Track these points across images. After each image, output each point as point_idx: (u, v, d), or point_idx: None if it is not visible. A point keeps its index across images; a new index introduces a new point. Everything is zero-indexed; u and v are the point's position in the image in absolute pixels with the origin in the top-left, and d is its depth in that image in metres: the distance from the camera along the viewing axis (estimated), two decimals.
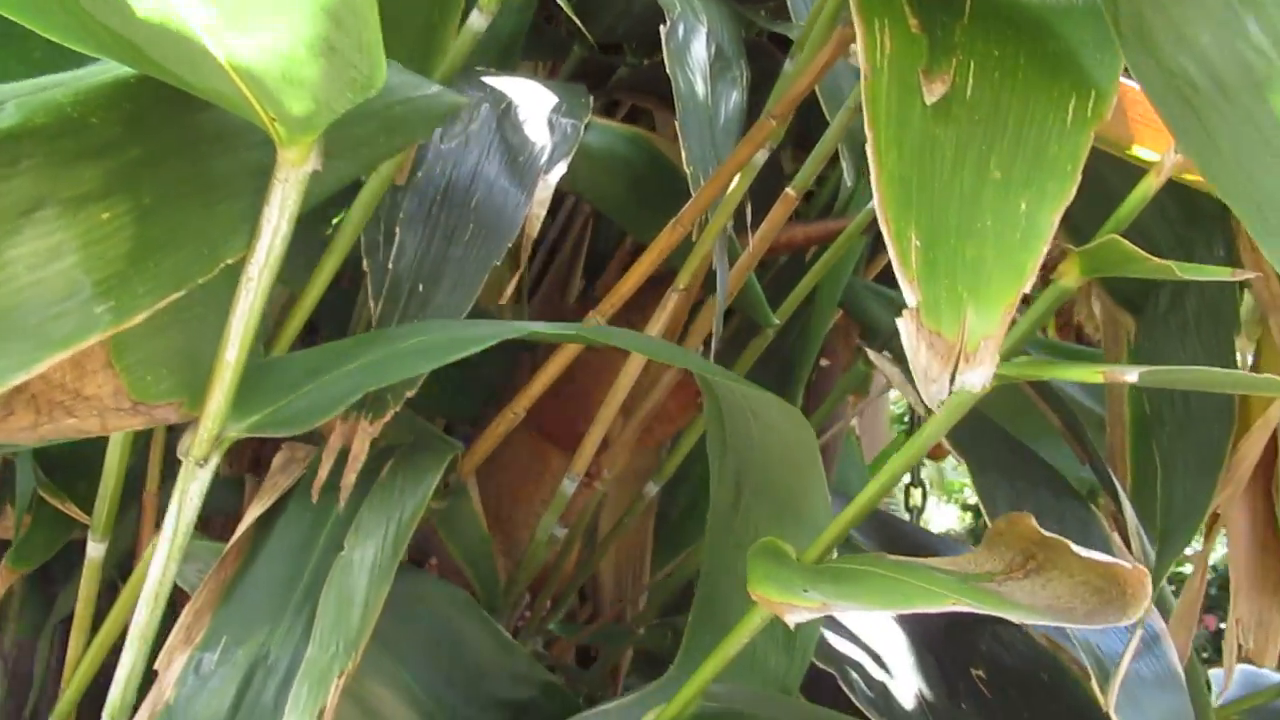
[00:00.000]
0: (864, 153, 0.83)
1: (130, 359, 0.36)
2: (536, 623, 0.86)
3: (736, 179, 0.63)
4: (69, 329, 0.32)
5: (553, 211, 1.17)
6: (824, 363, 1.02)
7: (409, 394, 0.53)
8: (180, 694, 0.51)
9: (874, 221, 0.73)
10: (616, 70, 1.02)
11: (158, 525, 0.62)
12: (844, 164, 0.76)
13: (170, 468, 0.66)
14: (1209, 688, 0.65)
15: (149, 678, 0.52)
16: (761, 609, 0.41)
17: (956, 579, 0.32)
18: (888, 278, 1.00)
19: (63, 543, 0.64)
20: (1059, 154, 0.34)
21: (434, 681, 0.59)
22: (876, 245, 0.96)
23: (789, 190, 0.69)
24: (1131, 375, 0.29)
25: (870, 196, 0.73)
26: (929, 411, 0.37)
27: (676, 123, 0.63)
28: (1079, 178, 0.34)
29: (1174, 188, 0.61)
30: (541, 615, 0.85)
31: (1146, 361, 0.63)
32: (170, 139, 0.33)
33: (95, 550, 0.57)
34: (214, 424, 0.38)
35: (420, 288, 0.56)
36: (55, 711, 0.61)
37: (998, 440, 0.65)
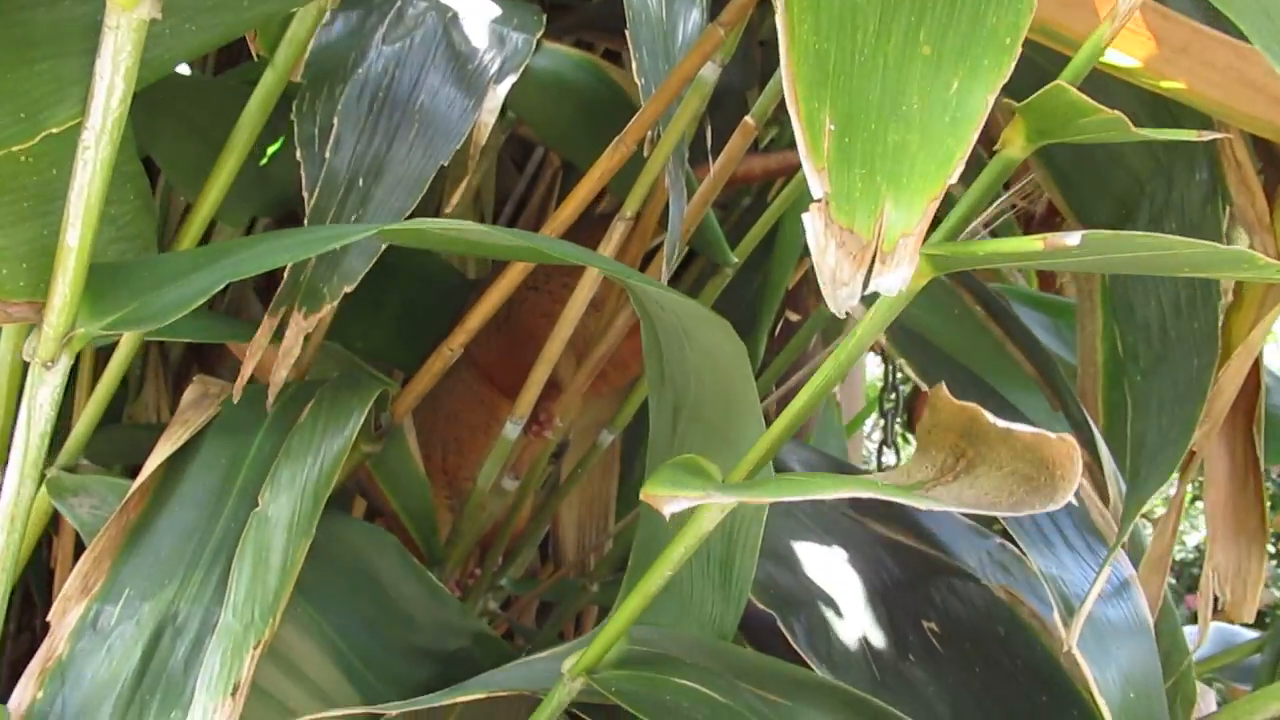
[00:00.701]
0: None
1: None
2: (488, 579, 0.82)
3: (685, 98, 0.59)
4: None
5: (520, 164, 1.13)
6: (794, 317, 0.98)
7: (347, 288, 0.48)
8: (75, 649, 0.47)
9: None
10: (583, 9, 0.98)
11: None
12: None
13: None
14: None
15: (39, 630, 0.48)
16: (683, 539, 0.37)
17: (874, 482, 0.28)
18: None
19: None
20: (998, 25, 0.29)
21: (356, 630, 0.55)
22: None
23: (748, 119, 0.65)
24: (1073, 239, 0.25)
25: None
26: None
27: (627, 33, 0.58)
28: (1018, 52, 0.29)
29: (1153, 107, 0.57)
30: (493, 571, 0.82)
31: (1121, 301, 0.59)
32: None
33: None
34: (60, 319, 0.33)
35: (360, 183, 0.52)
36: None
37: (961, 377, 0.61)
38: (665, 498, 0.26)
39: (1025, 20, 0.30)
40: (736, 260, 0.72)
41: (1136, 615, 0.48)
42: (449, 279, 0.81)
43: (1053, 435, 0.26)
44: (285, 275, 0.45)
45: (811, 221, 0.29)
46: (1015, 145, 0.30)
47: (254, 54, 0.48)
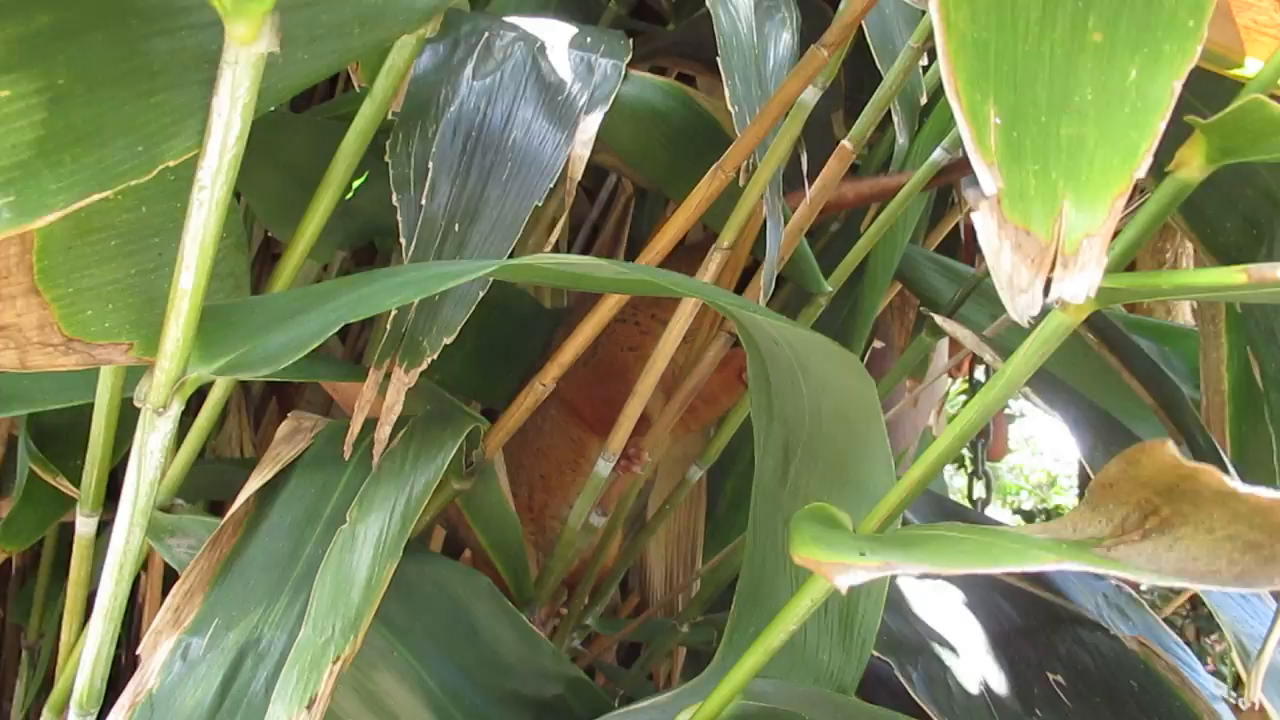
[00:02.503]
0: (919, 111, 0.75)
1: (65, 288, 0.31)
2: (575, 617, 0.80)
3: (784, 124, 0.57)
4: None
5: (593, 194, 1.12)
6: (878, 344, 0.95)
7: (446, 339, 0.47)
8: (164, 682, 0.46)
9: (934, 178, 0.68)
10: (657, 36, 0.97)
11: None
12: (896, 121, 0.70)
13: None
14: None
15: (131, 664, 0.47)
16: (809, 591, 0.35)
17: (1059, 546, 0.25)
18: (950, 248, 0.92)
19: (55, 521, 0.60)
20: (1177, 7, 0.27)
21: (450, 675, 0.54)
22: (938, 209, 0.88)
23: (845, 142, 0.63)
24: None
25: (929, 153, 0.67)
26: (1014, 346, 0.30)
27: (719, 60, 0.57)
28: (1204, 35, 0.27)
29: None
30: (580, 609, 0.80)
31: (1259, 327, 0.55)
32: (93, 10, 0.28)
33: (85, 526, 0.53)
34: (173, 364, 0.32)
35: (456, 228, 0.51)
36: (49, 701, 0.57)
37: (1082, 406, 0.58)
38: (835, 566, 0.24)
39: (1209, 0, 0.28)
40: (831, 288, 0.69)
41: None
42: (523, 307, 0.80)
43: None
44: (388, 326, 0.44)
45: (983, 220, 0.26)
46: (1193, 166, 0.27)
47: (356, 85, 0.47)
